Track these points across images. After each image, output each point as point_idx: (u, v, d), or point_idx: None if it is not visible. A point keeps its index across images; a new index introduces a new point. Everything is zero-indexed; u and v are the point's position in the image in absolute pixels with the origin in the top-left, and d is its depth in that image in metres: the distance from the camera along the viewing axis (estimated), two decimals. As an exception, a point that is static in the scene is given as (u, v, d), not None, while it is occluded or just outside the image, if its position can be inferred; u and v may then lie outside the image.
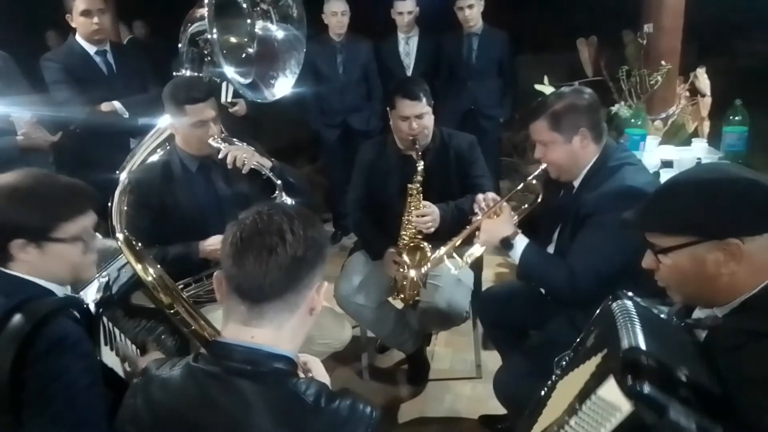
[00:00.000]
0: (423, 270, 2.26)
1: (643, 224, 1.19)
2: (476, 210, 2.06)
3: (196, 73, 2.15)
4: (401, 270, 2.39)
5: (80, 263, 1.39)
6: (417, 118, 2.38)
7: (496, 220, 1.99)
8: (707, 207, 1.08)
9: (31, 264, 1.31)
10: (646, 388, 0.89)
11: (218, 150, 2.08)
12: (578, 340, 1.26)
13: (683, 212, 1.11)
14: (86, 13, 2.92)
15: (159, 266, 1.68)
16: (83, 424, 1.20)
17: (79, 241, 1.36)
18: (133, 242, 1.68)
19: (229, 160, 2.06)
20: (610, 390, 0.93)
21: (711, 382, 0.97)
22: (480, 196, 2.08)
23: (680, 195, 1.13)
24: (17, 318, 1.20)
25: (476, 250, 2.05)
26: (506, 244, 1.92)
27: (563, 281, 1.78)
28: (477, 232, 2.03)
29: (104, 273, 1.61)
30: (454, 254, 2.09)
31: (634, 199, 1.64)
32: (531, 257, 1.89)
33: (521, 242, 1.90)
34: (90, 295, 1.48)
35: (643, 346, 0.96)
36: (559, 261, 1.86)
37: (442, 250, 2.12)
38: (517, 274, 2.10)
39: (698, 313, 1.19)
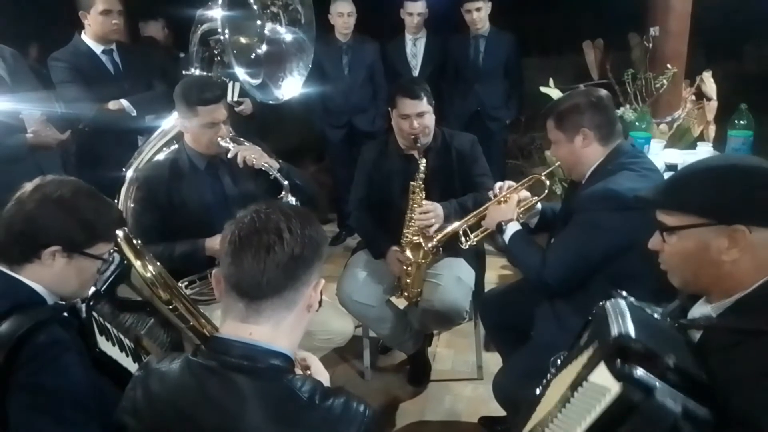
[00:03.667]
0: (434, 242, 2.31)
1: (657, 200, 1.20)
2: (490, 195, 2.19)
3: (205, 73, 2.18)
4: (405, 268, 2.41)
5: (91, 280, 1.43)
6: (418, 116, 2.41)
7: (502, 207, 2.12)
8: (721, 191, 1.09)
9: (49, 271, 1.32)
10: (635, 370, 0.91)
11: (227, 149, 2.11)
12: (574, 340, 1.27)
13: (696, 192, 1.12)
14: (106, 13, 2.95)
15: (159, 263, 1.70)
16: None
17: (101, 261, 1.40)
18: (133, 239, 1.69)
19: (239, 160, 2.09)
20: (601, 374, 0.95)
21: (699, 371, 0.99)
22: (498, 184, 2.20)
23: (697, 176, 1.15)
24: (6, 324, 1.21)
25: (483, 231, 2.21)
26: (499, 229, 2.06)
27: (533, 267, 1.90)
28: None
29: None
30: (467, 229, 2.23)
31: (612, 202, 1.70)
32: (516, 242, 2.01)
33: (513, 228, 2.03)
34: None
35: (632, 332, 0.98)
36: (538, 250, 1.96)
37: (456, 224, 2.24)
38: (507, 257, 2.22)
39: (694, 313, 1.20)
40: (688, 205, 1.12)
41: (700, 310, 1.18)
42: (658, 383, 0.90)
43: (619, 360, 0.93)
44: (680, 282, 1.20)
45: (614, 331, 1.00)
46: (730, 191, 1.08)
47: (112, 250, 1.45)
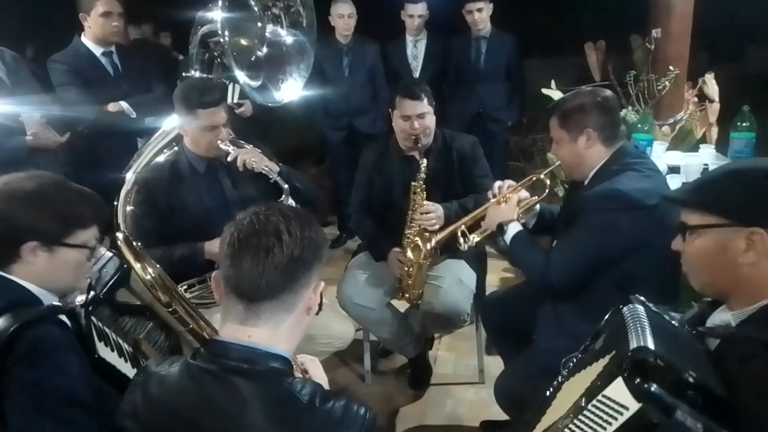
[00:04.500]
0: (433, 243, 2.30)
1: (682, 199, 1.21)
2: (489, 195, 2.16)
3: (205, 75, 2.16)
4: (406, 269, 2.40)
5: (81, 271, 1.41)
6: (418, 117, 2.41)
7: (502, 207, 2.09)
8: (742, 192, 1.09)
9: (35, 267, 1.31)
10: (654, 388, 0.89)
11: (227, 152, 2.09)
12: (587, 342, 1.25)
13: (719, 193, 1.13)
14: (107, 15, 2.96)
15: (158, 266, 1.69)
16: None
17: (87, 249, 1.38)
18: (133, 241, 1.68)
19: (239, 163, 2.08)
20: (618, 389, 0.93)
21: (718, 386, 0.97)
22: (498, 183, 2.17)
23: (723, 177, 1.16)
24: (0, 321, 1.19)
25: (482, 231, 2.17)
26: (500, 229, 2.03)
27: (537, 268, 1.88)
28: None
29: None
30: (466, 230, 2.19)
31: (618, 203, 1.68)
32: (518, 243, 1.98)
33: (514, 228, 2.01)
34: (75, 299, 1.48)
35: (651, 346, 0.96)
36: (541, 251, 1.94)
37: (454, 225, 2.22)
38: (508, 259, 2.18)
39: (714, 320, 1.18)
40: (710, 204, 1.12)
41: (720, 316, 1.17)
42: (678, 403, 0.88)
43: (638, 376, 0.91)
44: (699, 284, 1.19)
45: (633, 344, 0.97)
46: (751, 193, 1.08)
47: (97, 237, 1.41)
